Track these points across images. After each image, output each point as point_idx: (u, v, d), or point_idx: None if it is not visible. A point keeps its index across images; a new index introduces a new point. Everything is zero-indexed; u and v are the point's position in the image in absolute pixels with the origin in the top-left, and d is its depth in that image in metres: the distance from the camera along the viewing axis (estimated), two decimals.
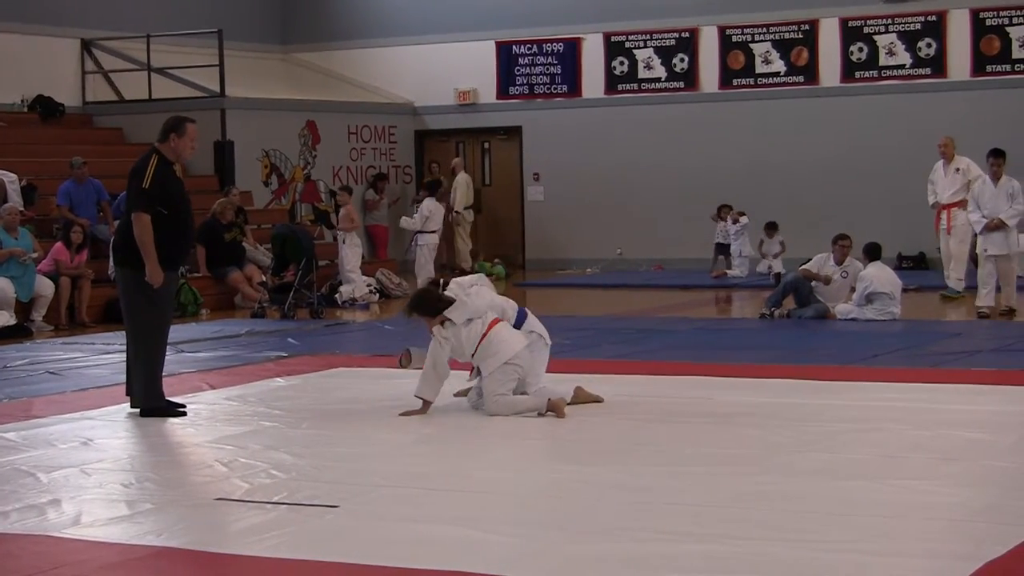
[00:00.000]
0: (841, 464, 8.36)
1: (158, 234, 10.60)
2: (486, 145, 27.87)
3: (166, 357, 11.12)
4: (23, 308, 17.75)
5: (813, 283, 17.05)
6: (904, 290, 17.13)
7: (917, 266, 23.85)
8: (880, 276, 16.70)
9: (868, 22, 24.71)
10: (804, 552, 6.45)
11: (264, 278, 19.66)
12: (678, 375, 12.22)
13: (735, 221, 23.59)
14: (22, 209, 19.17)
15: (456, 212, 26.10)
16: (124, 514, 7.50)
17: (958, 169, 18.89)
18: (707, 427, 9.72)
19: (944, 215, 18.96)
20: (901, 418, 9.87)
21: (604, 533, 6.87)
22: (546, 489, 7.92)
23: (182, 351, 14.82)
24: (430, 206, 20.52)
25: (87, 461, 8.97)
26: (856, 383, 11.59)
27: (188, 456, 9.04)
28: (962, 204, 18.66)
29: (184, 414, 10.61)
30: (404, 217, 20.51)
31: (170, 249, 10.75)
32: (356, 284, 20.71)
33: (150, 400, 10.71)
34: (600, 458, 8.71)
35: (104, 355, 14.38)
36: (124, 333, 11.22)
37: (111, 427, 10.28)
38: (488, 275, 24.70)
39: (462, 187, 26.18)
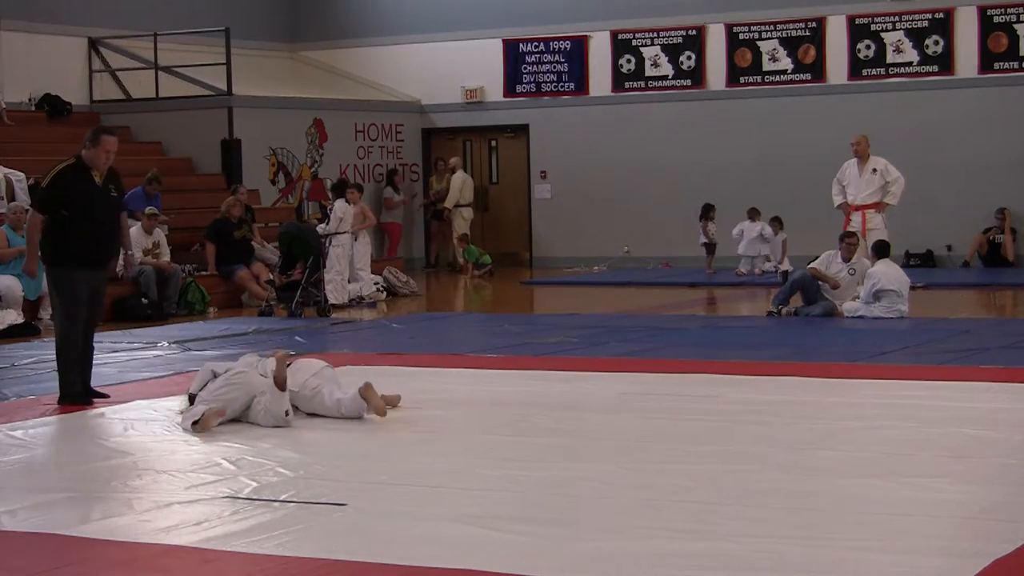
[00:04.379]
0: (849, 462, 8.36)
1: (62, 234, 11.12)
2: (493, 143, 27.87)
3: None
4: (30, 306, 17.77)
5: (820, 281, 17.03)
6: (912, 288, 17.11)
7: (925, 264, 23.85)
8: (888, 274, 16.68)
9: (875, 19, 24.69)
10: (812, 550, 6.44)
11: (271, 276, 19.65)
12: (685, 372, 12.21)
13: (775, 231, 23.38)
14: (29, 208, 19.18)
15: (447, 209, 26.16)
16: (131, 512, 7.51)
17: (875, 170, 18.54)
18: (714, 425, 9.72)
19: (857, 217, 18.58)
20: (909, 415, 9.86)
21: (611, 531, 6.87)
22: (553, 486, 7.91)
23: (189, 349, 14.84)
24: (342, 208, 20.36)
25: (95, 458, 8.98)
26: (864, 381, 11.58)
27: (195, 454, 9.04)
28: (878, 206, 18.45)
29: (91, 403, 11.05)
30: (320, 225, 20.41)
31: (76, 249, 11.18)
32: (364, 282, 20.71)
33: (60, 390, 11.24)
34: (607, 455, 8.71)
35: (111, 353, 14.39)
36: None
37: (119, 424, 10.28)
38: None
39: (456, 185, 26.23)
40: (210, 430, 9.68)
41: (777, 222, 23.46)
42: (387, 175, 26.68)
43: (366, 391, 10.10)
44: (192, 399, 10.26)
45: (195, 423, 9.78)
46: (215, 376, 10.29)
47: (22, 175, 20.06)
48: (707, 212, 24.04)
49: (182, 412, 10.20)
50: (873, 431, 9.34)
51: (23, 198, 19.48)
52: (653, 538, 6.69)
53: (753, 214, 23.55)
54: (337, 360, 13.58)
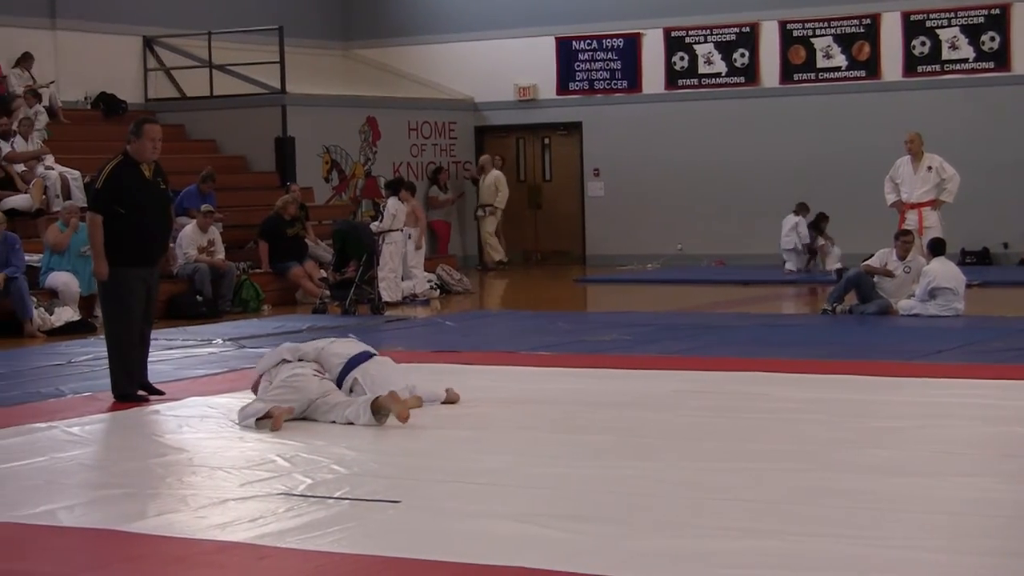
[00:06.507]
0: (901, 460, 8.33)
1: (118, 232, 11.11)
2: (546, 141, 27.89)
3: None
4: (86, 304, 17.88)
5: (876, 278, 16.97)
6: (967, 286, 17.01)
7: (980, 261, 23.70)
8: (944, 271, 16.59)
9: (930, 16, 24.57)
10: (862, 549, 6.42)
11: (325, 273, 19.71)
12: (738, 371, 12.18)
13: (812, 233, 23.28)
14: (84, 206, 19.32)
15: (494, 207, 26.22)
16: (187, 508, 7.55)
17: (930, 167, 18.48)
18: (767, 423, 9.69)
19: (913, 215, 18.48)
20: (962, 414, 9.82)
21: (663, 528, 6.87)
22: (605, 484, 7.91)
23: (244, 347, 14.92)
24: (395, 205, 20.39)
25: (150, 455, 9.04)
26: (918, 379, 11.52)
27: (250, 451, 9.08)
28: (933, 203, 18.36)
29: (146, 400, 11.13)
30: (374, 223, 20.44)
31: (133, 247, 11.19)
32: (417, 280, 20.76)
33: (115, 390, 11.24)
34: (658, 453, 8.70)
35: (166, 350, 14.48)
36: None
37: (174, 421, 10.34)
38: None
39: (503, 184, 26.33)
40: (280, 429, 9.67)
41: (815, 227, 23.22)
42: (432, 173, 26.73)
43: (387, 400, 9.84)
44: (257, 385, 10.32)
45: (260, 420, 9.78)
46: (285, 363, 10.30)
47: (78, 173, 20.21)
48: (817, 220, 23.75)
49: (242, 409, 10.15)
50: (926, 429, 9.30)
51: (78, 196, 19.62)
52: (704, 536, 6.68)
53: (800, 209, 23.46)
54: (391, 358, 13.63)
